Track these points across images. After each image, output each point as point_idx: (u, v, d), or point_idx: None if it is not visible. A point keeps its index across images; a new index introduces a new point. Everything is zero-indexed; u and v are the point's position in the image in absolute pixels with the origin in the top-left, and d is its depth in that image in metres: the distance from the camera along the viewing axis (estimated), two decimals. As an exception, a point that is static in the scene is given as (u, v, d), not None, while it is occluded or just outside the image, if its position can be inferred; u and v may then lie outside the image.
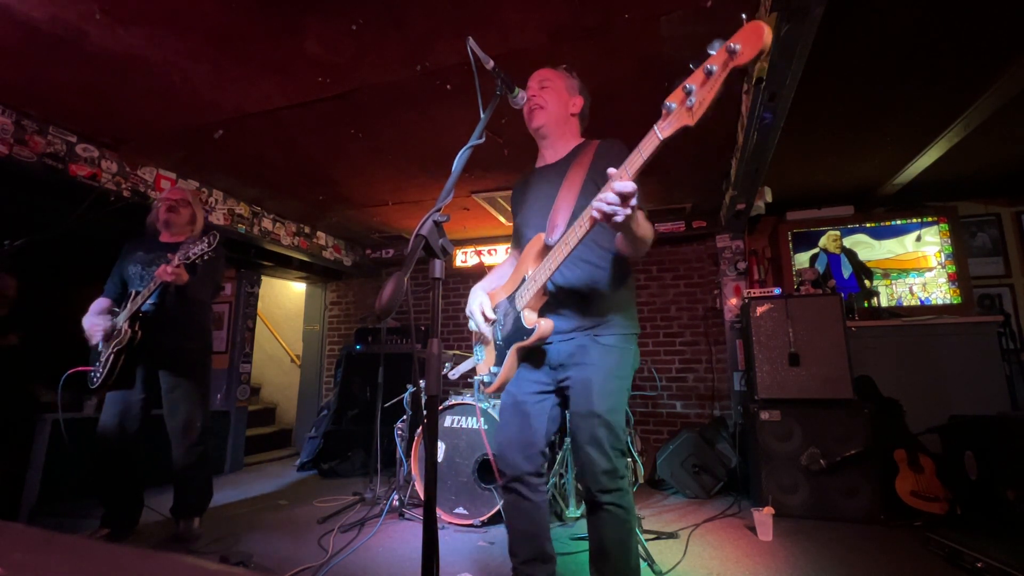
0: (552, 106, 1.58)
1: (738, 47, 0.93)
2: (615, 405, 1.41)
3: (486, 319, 1.57)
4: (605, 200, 1.11)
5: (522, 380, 1.55)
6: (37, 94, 2.43)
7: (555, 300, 1.49)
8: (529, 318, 1.44)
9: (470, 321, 1.63)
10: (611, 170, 1.12)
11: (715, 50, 0.96)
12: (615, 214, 1.12)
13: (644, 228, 1.30)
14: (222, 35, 2.02)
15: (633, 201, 1.11)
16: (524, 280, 1.48)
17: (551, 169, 1.61)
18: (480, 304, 1.59)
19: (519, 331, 1.46)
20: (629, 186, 1.08)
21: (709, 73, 0.97)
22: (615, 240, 1.43)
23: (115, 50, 2.09)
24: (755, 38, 0.92)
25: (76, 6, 1.85)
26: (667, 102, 1.03)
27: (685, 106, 1.00)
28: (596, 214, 1.14)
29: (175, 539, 2.42)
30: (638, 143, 1.10)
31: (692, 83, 0.99)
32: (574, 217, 1.39)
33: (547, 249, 1.42)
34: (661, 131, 1.05)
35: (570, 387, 1.45)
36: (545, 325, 1.43)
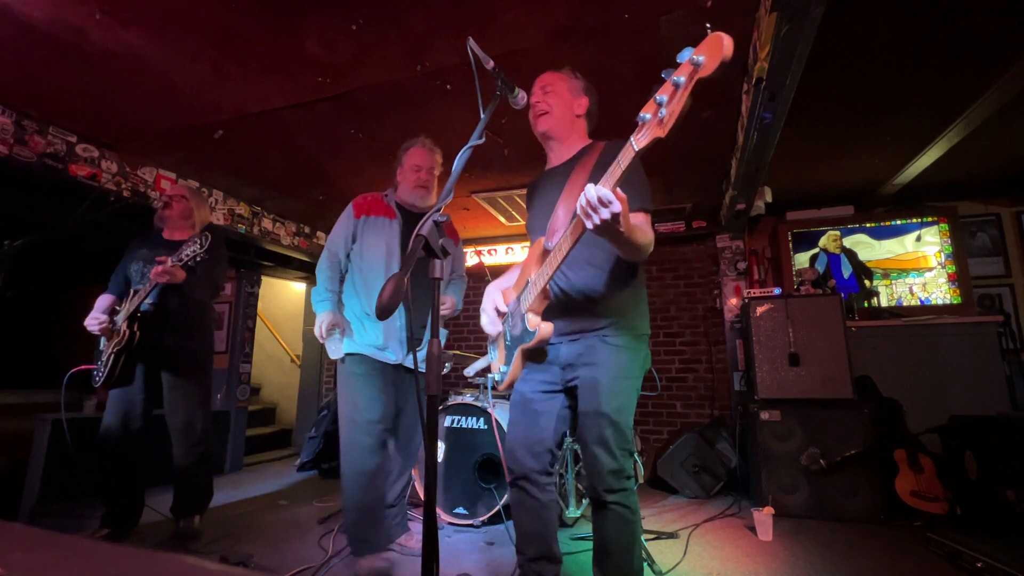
0: (556, 110, 1.59)
1: (702, 59, 0.94)
2: (622, 405, 1.42)
3: (499, 314, 1.59)
4: (583, 200, 1.11)
5: (531, 379, 1.56)
6: (37, 94, 2.43)
7: (559, 302, 1.50)
8: (532, 321, 1.46)
9: (481, 318, 1.65)
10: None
11: (683, 59, 0.96)
12: (588, 217, 1.12)
13: (634, 235, 1.22)
14: (222, 35, 2.02)
15: (614, 207, 1.09)
16: (528, 283, 1.50)
17: (556, 172, 1.62)
18: (493, 301, 1.61)
19: (524, 333, 1.48)
20: (602, 191, 1.08)
21: (676, 85, 0.97)
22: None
23: (115, 50, 2.08)
24: (716, 49, 0.92)
25: (76, 6, 1.85)
26: (641, 113, 1.04)
27: (657, 118, 1.01)
28: (580, 214, 1.16)
29: (175, 539, 2.42)
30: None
31: (663, 94, 0.99)
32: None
33: (547, 253, 1.43)
34: (637, 143, 1.06)
35: (578, 387, 1.46)
36: (545, 328, 1.44)
